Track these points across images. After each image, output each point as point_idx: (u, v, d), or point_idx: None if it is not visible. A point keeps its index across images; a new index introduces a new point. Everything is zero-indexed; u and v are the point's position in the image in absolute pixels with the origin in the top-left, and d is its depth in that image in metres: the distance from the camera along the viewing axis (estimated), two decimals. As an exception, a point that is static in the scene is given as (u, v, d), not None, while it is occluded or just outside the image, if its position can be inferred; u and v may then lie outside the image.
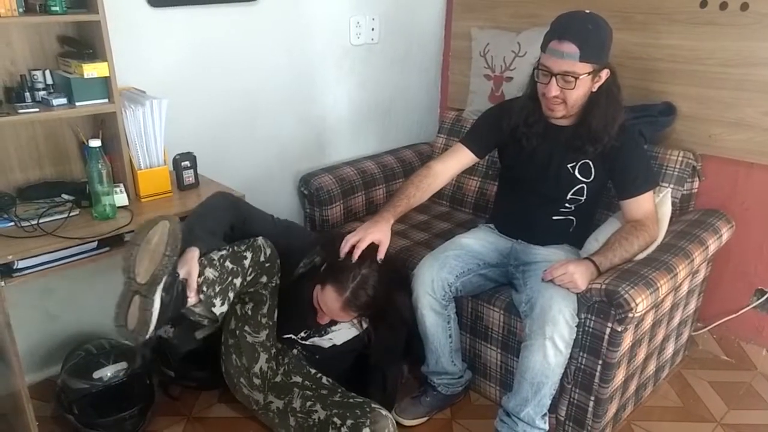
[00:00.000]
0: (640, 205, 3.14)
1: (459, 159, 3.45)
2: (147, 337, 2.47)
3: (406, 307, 3.29)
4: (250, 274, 2.85)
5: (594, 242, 3.22)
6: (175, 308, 2.56)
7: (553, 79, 2.98)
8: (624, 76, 3.58)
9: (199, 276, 2.66)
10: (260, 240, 2.90)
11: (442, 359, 3.38)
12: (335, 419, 2.91)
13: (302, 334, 3.22)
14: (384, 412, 2.89)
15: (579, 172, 3.21)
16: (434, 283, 3.23)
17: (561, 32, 2.95)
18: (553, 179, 3.26)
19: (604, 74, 3.04)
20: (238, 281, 2.80)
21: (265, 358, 3.14)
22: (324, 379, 3.16)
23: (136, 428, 3.22)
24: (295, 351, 3.23)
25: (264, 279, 2.95)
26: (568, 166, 3.22)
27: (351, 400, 2.99)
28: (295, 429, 3.06)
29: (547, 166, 3.27)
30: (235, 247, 2.84)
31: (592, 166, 3.19)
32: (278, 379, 3.16)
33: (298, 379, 3.16)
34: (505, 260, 3.40)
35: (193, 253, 2.68)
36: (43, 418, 3.25)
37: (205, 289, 2.66)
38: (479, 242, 3.42)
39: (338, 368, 3.27)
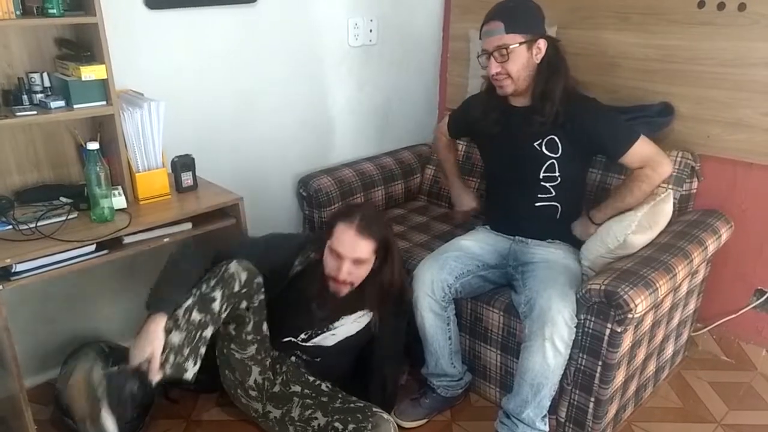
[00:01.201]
0: (634, 158, 3.19)
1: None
2: None
3: (409, 295, 3.30)
4: (224, 311, 2.81)
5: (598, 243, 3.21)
6: (136, 401, 2.60)
7: (491, 57, 3.18)
8: (622, 76, 3.62)
9: (163, 351, 2.62)
10: (232, 267, 2.84)
11: (442, 361, 3.37)
12: (336, 424, 2.89)
13: (303, 336, 3.18)
14: (386, 416, 2.88)
15: (546, 148, 3.26)
16: (434, 284, 3.23)
17: (488, 17, 3.24)
18: (523, 160, 3.33)
19: (543, 45, 3.17)
20: (209, 331, 2.76)
21: (258, 371, 3.11)
22: (323, 386, 3.13)
23: (134, 431, 3.20)
24: (293, 358, 3.21)
25: (244, 304, 2.91)
26: (535, 144, 3.27)
27: (352, 405, 2.98)
28: None
29: (515, 150, 3.35)
30: (203, 288, 2.79)
31: (557, 140, 3.24)
32: (276, 389, 3.13)
33: (297, 389, 3.13)
34: (504, 261, 3.40)
35: (156, 326, 2.62)
36: (42, 422, 3.25)
37: (171, 358, 2.64)
38: (478, 244, 3.43)
39: (339, 369, 3.27)
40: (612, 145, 3.20)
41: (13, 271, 2.72)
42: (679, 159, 3.55)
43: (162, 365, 2.60)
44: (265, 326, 3.06)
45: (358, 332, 3.24)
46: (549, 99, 3.17)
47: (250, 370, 3.09)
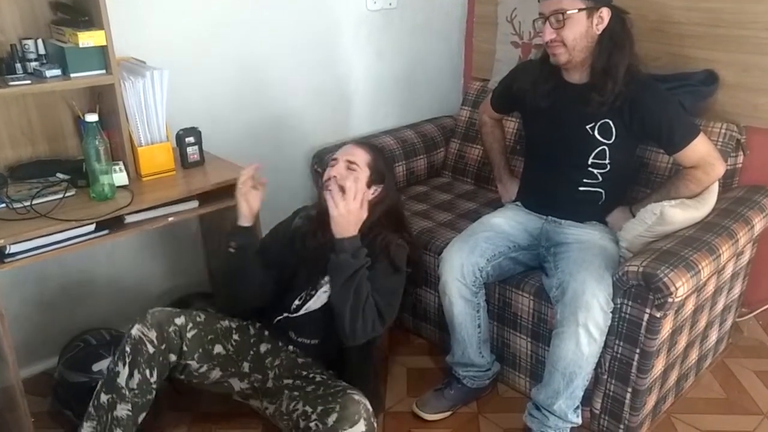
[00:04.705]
0: (689, 157, 3.12)
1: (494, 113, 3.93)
2: None
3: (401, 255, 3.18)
4: (150, 375, 2.79)
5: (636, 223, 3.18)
6: None
7: (547, 22, 3.12)
8: (662, 42, 3.59)
9: None
10: (135, 330, 2.78)
11: (470, 350, 3.36)
12: (307, 408, 2.85)
13: (297, 303, 3.15)
14: (356, 397, 2.79)
15: (599, 133, 3.22)
16: (464, 268, 3.21)
17: None
18: (571, 143, 3.29)
19: (606, 15, 3.11)
20: (120, 410, 2.75)
21: (236, 381, 3.07)
22: (317, 378, 3.10)
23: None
24: (290, 347, 3.17)
25: (172, 357, 2.87)
26: (587, 127, 3.23)
27: (331, 390, 2.92)
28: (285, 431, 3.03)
29: (564, 131, 3.30)
30: (110, 366, 2.81)
31: (612, 125, 3.19)
32: (269, 384, 3.10)
33: (289, 381, 3.09)
34: (535, 242, 3.39)
35: None
36: (39, 414, 3.25)
37: None
38: (508, 222, 3.41)
39: (332, 341, 3.18)
40: (669, 138, 3.14)
41: (6, 252, 2.71)
42: (723, 131, 3.51)
43: None
44: (218, 347, 3.01)
45: None
46: (611, 77, 3.11)
47: (230, 384, 3.08)
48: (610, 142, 3.20)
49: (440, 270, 3.29)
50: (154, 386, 2.81)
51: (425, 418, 3.33)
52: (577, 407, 3.11)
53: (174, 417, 3.37)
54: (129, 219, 3.00)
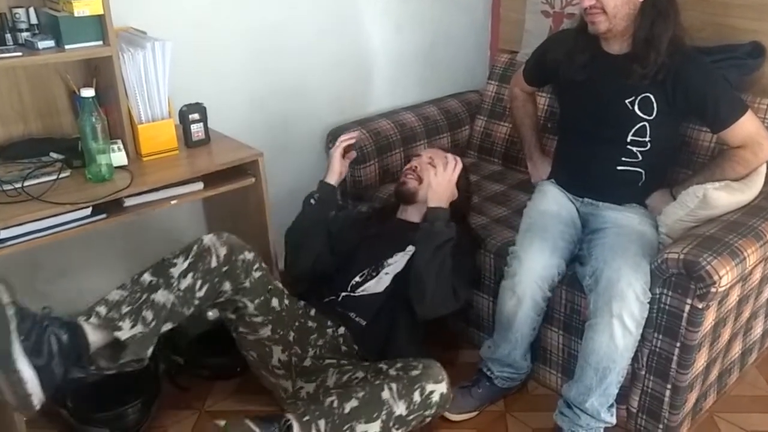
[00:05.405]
0: (736, 135, 3.10)
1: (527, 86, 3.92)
2: (39, 406, 2.42)
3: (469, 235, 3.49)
4: (198, 288, 2.76)
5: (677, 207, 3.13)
6: (70, 360, 2.51)
7: None
8: (706, 11, 3.55)
9: (97, 303, 2.67)
10: (207, 240, 2.82)
11: (516, 352, 3.30)
12: (382, 365, 2.90)
13: (357, 279, 3.30)
14: (438, 364, 2.86)
15: (639, 108, 3.18)
16: (545, 270, 3.15)
17: None
18: (610, 117, 3.27)
19: None
20: (161, 296, 2.69)
21: (279, 349, 3.09)
22: (363, 362, 3.10)
23: (139, 423, 3.16)
24: (342, 329, 3.18)
25: (227, 286, 2.85)
26: (627, 101, 3.20)
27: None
28: None
29: (601, 104, 3.28)
30: (167, 257, 2.80)
31: (653, 100, 3.16)
32: (307, 362, 3.12)
33: (333, 361, 3.11)
34: (580, 229, 3.37)
35: None
36: (33, 414, 3.20)
37: (102, 310, 2.63)
38: (556, 204, 3.41)
39: (388, 331, 3.23)
40: (715, 114, 3.11)
41: (-4, 238, 2.68)
42: (770, 108, 3.46)
43: (89, 317, 2.61)
44: (275, 301, 3.05)
45: (404, 267, 3.31)
46: (653, 47, 3.08)
47: (271, 350, 3.09)
48: (651, 117, 3.16)
49: (514, 269, 3.20)
50: (196, 303, 2.77)
51: (450, 418, 3.27)
52: (612, 405, 3.06)
53: (178, 415, 3.34)
54: (128, 202, 2.97)
